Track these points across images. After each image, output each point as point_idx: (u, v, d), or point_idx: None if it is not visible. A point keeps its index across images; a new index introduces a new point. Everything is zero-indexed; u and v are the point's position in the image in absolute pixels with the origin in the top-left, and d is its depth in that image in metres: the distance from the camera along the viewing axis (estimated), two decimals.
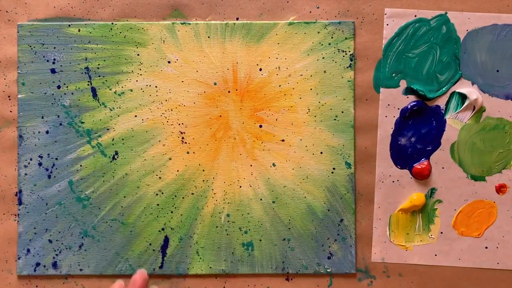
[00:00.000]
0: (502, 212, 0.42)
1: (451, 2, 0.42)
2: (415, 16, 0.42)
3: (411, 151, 0.42)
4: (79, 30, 0.41)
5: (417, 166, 0.42)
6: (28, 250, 0.41)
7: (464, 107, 0.42)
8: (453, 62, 0.42)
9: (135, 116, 0.42)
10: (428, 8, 0.42)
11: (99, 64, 0.42)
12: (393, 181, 0.42)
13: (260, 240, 0.42)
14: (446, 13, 0.42)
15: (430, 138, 0.42)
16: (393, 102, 0.42)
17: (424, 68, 0.42)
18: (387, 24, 0.42)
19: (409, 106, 0.42)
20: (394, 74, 0.42)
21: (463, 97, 0.42)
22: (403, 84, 0.42)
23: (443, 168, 0.42)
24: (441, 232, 0.42)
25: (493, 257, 0.42)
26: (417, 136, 0.42)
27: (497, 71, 0.42)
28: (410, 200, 0.42)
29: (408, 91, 0.42)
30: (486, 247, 0.42)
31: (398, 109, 0.42)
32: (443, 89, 0.42)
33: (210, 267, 0.41)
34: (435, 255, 0.42)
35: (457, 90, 0.42)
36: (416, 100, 0.42)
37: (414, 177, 0.42)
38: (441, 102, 0.42)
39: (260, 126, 0.42)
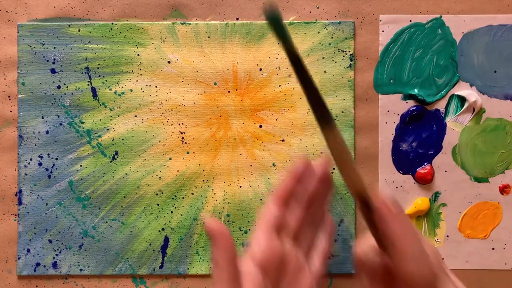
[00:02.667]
0: (507, 212, 0.44)
1: (450, 2, 0.45)
2: (410, 21, 0.44)
3: (413, 156, 0.45)
4: (79, 30, 0.45)
5: (420, 170, 0.45)
6: (28, 250, 0.44)
7: (463, 109, 0.44)
8: (451, 65, 0.44)
9: (135, 116, 0.45)
10: (428, 8, 0.45)
11: (99, 64, 0.45)
12: (396, 187, 0.45)
13: None
14: (441, 16, 0.44)
15: (432, 142, 0.45)
16: (393, 108, 0.45)
17: (422, 72, 0.45)
18: (383, 31, 0.44)
19: (408, 111, 0.44)
20: (392, 80, 0.45)
21: (462, 99, 0.44)
22: (402, 89, 0.45)
23: (446, 171, 0.45)
24: (447, 236, 0.44)
25: (500, 258, 0.44)
26: (418, 140, 0.45)
27: (495, 71, 0.44)
28: (414, 205, 0.44)
29: (407, 96, 0.45)
30: (493, 248, 0.44)
31: (398, 114, 0.45)
32: (442, 92, 0.44)
33: (210, 267, 0.44)
34: (442, 258, 0.44)
35: (456, 93, 0.44)
36: (416, 105, 0.45)
37: (417, 182, 0.45)
38: (441, 105, 0.45)
39: (260, 126, 0.45)
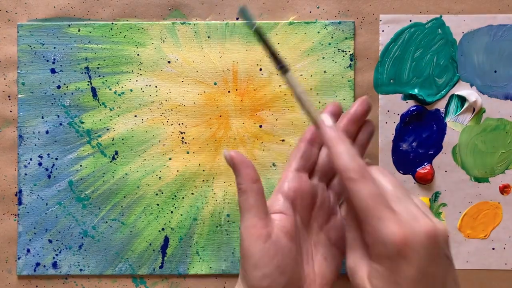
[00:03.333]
0: (508, 212, 0.45)
1: (450, 2, 0.45)
2: (410, 21, 0.45)
3: (413, 156, 0.45)
4: (79, 30, 0.45)
5: (420, 170, 0.45)
6: (28, 250, 0.45)
7: (463, 109, 0.45)
8: (451, 65, 0.45)
9: (135, 116, 0.45)
10: (428, 8, 0.45)
11: (99, 64, 0.45)
12: None
13: None
14: (441, 16, 0.45)
15: (432, 142, 0.45)
16: (393, 108, 0.45)
17: (422, 72, 0.45)
18: (383, 31, 0.45)
19: (408, 111, 0.45)
20: (392, 80, 0.45)
21: (462, 99, 0.45)
22: (402, 89, 0.45)
23: (446, 171, 0.45)
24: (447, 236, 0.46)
25: (501, 258, 0.45)
26: (418, 140, 0.45)
27: (495, 71, 0.45)
28: None
29: (407, 96, 0.45)
30: (493, 248, 0.45)
31: (398, 114, 0.45)
32: (442, 92, 0.45)
33: (210, 267, 0.45)
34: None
35: (456, 93, 0.45)
36: (416, 105, 0.45)
37: (417, 182, 0.45)
38: (441, 105, 0.45)
39: (260, 126, 0.45)
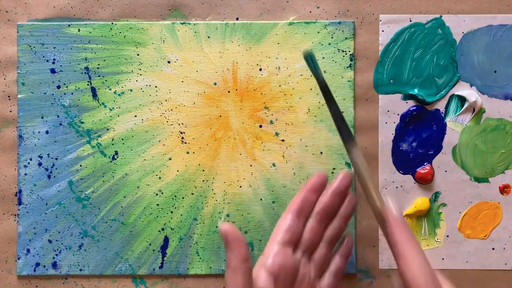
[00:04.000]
0: (508, 212, 0.45)
1: (450, 2, 0.45)
2: (410, 20, 0.45)
3: (413, 156, 0.45)
4: (79, 30, 0.45)
5: (420, 170, 0.45)
6: (28, 250, 0.45)
7: (463, 109, 0.45)
8: (451, 65, 0.45)
9: (135, 116, 0.45)
10: (428, 8, 0.45)
11: (99, 64, 0.45)
12: (396, 187, 0.45)
13: (260, 240, 0.45)
14: (441, 16, 0.45)
15: (432, 142, 0.45)
16: (393, 108, 0.45)
17: (422, 72, 0.45)
18: (383, 31, 0.45)
19: (408, 111, 0.45)
20: (392, 80, 0.45)
21: (462, 99, 0.45)
22: (402, 89, 0.45)
23: (446, 171, 0.45)
24: (447, 236, 0.45)
25: (500, 258, 0.45)
26: (418, 140, 0.45)
27: (495, 71, 0.45)
28: (414, 205, 0.45)
29: (407, 96, 0.45)
30: (493, 248, 0.45)
31: (398, 114, 0.45)
32: (442, 92, 0.45)
33: (210, 267, 0.45)
34: (442, 259, 0.45)
35: (456, 93, 0.45)
36: (416, 105, 0.45)
37: (417, 182, 0.45)
38: (441, 105, 0.45)
39: (260, 126, 0.45)
